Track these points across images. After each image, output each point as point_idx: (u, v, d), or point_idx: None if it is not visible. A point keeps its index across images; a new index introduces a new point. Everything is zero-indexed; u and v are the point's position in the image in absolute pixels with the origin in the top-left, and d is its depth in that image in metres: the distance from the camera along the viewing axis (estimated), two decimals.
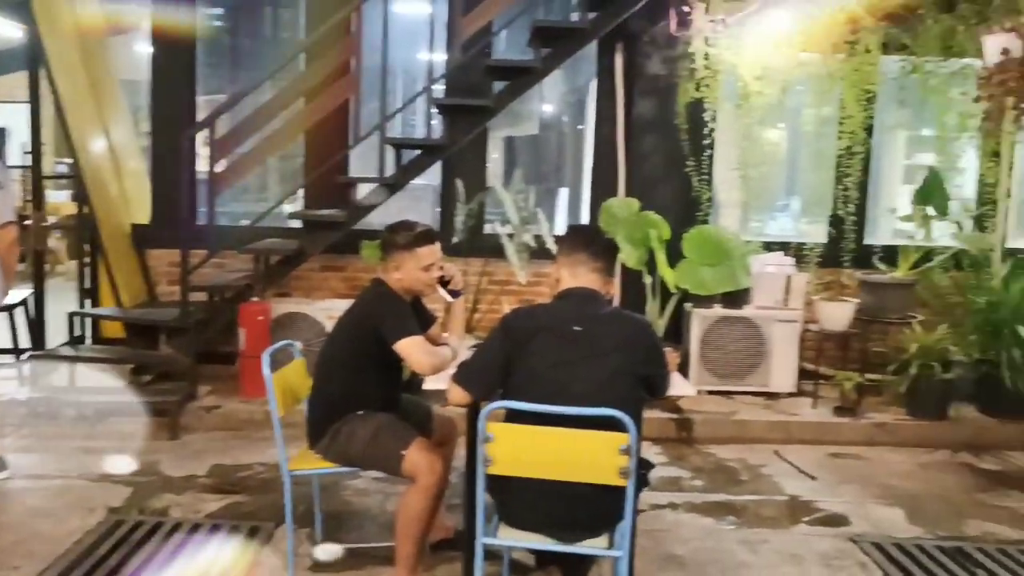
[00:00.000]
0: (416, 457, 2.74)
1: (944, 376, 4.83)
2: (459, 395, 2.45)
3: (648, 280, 5.32)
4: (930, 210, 5.24)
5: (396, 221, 3.06)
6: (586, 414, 2.12)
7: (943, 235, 5.45)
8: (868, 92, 5.53)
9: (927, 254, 5.38)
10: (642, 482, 2.44)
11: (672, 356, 2.61)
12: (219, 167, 4.96)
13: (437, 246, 3.00)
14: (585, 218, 6.23)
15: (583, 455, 2.14)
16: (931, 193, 5.22)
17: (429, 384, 2.84)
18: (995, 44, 4.94)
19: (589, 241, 2.57)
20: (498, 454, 2.17)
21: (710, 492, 3.99)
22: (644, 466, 2.46)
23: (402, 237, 2.95)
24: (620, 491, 2.16)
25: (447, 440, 3.20)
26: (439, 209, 6.07)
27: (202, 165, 5.28)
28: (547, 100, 7.61)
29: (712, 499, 3.90)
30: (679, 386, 2.73)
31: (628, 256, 5.31)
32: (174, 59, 5.75)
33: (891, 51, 5.57)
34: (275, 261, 5.30)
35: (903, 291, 5.20)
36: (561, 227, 6.90)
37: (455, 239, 5.40)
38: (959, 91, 5.51)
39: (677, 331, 5.56)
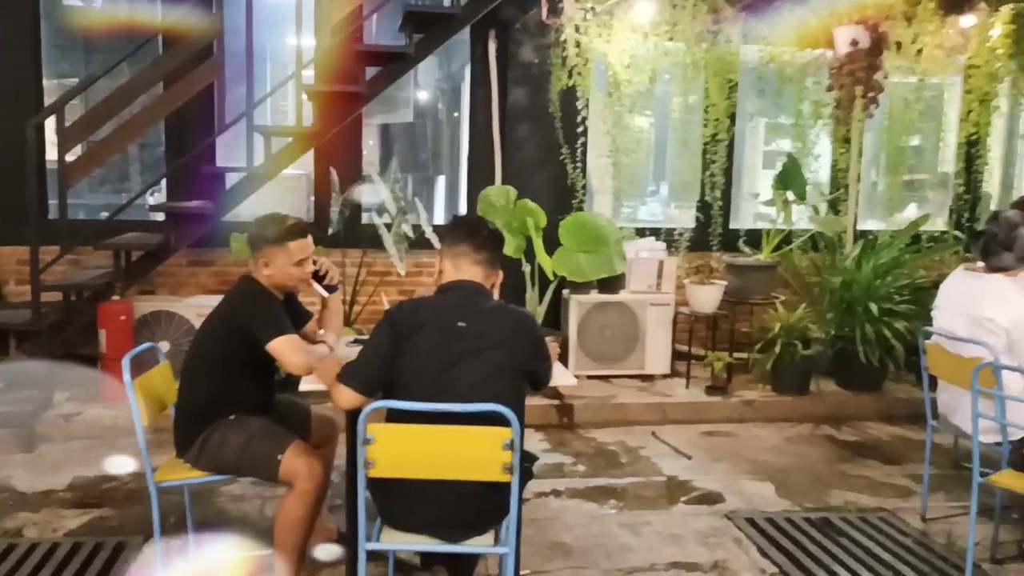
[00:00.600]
0: (293, 462, 2.64)
1: (805, 353, 5.11)
2: (347, 397, 2.34)
3: (527, 268, 5.35)
4: (789, 195, 5.50)
5: (264, 214, 2.92)
6: (469, 411, 2.08)
7: (801, 218, 5.75)
8: (730, 81, 5.76)
9: (787, 237, 5.66)
10: (527, 475, 2.44)
11: (554, 347, 2.60)
12: (70, 156, 4.61)
13: (309, 239, 2.88)
14: (463, 207, 6.19)
15: (467, 453, 2.11)
16: (789, 178, 5.49)
17: (306, 385, 2.73)
18: (845, 36, 5.25)
19: (471, 232, 2.51)
20: (379, 456, 2.11)
21: (592, 477, 4.06)
22: (528, 459, 2.46)
23: (271, 231, 2.82)
24: (505, 487, 2.14)
25: (327, 441, 3.10)
26: (313, 199, 5.88)
27: (52, 154, 4.89)
28: (423, 87, 7.51)
29: (594, 484, 3.97)
30: (561, 376, 2.75)
31: (506, 244, 5.30)
32: (15, 39, 5.29)
33: (751, 41, 5.81)
34: (137, 257, 5.00)
35: (766, 273, 5.46)
36: (440, 216, 6.85)
37: (331, 230, 5.25)
38: (813, 80, 5.83)
39: (556, 318, 5.63)
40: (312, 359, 2.67)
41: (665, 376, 5.49)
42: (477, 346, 2.28)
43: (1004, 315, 3.12)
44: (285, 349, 2.66)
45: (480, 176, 5.83)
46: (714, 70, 5.71)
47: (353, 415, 2.33)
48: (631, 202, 6.35)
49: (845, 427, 4.95)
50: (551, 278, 5.33)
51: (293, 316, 2.93)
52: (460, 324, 2.31)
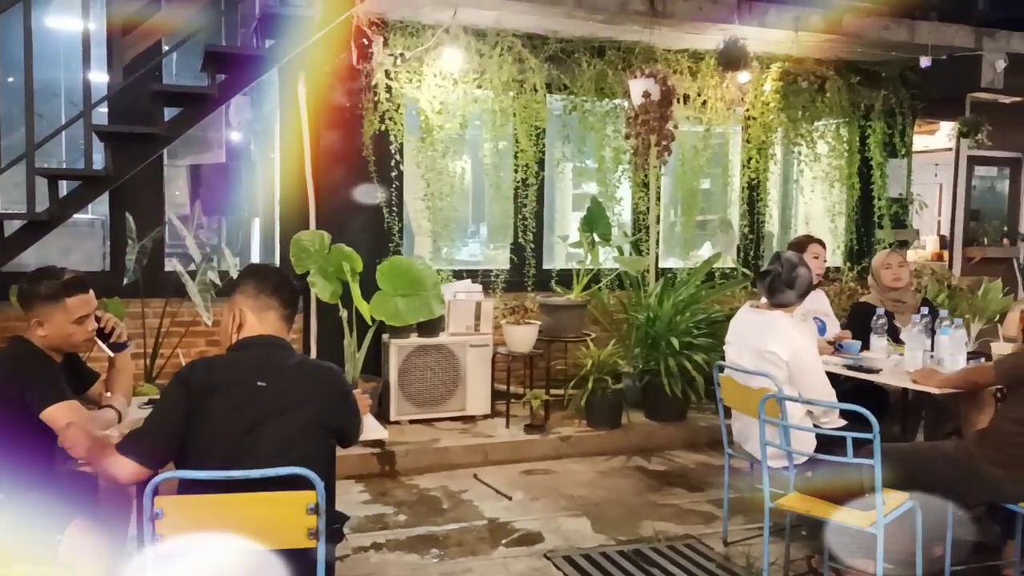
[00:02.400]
0: (75, 543, 2.38)
1: (616, 387, 5.33)
2: (129, 470, 2.13)
3: (344, 314, 5.23)
4: (595, 236, 5.77)
5: (36, 268, 2.66)
6: (267, 475, 1.97)
7: (608, 258, 6.04)
8: (537, 128, 6.00)
9: (596, 276, 5.91)
10: (337, 537, 2.35)
11: (364, 400, 2.54)
12: None
13: (90, 294, 2.65)
14: (278, 251, 5.97)
15: (266, 520, 1.99)
16: (594, 221, 5.76)
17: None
18: (638, 87, 5.61)
19: (280, 285, 2.39)
20: (170, 531, 1.95)
21: (414, 526, 3.99)
22: (338, 520, 2.36)
23: (45, 287, 2.57)
24: (311, 553, 2.05)
25: (122, 511, 2.84)
26: (108, 246, 5.47)
27: None
28: (235, 127, 7.22)
29: (416, 533, 3.90)
30: (372, 430, 2.68)
31: (322, 290, 5.19)
32: None
33: (555, 90, 6.09)
34: None
35: (578, 311, 5.66)
36: (257, 260, 6.57)
37: (127, 279, 4.89)
38: (612, 128, 6.19)
39: (376, 363, 5.54)
40: (95, 426, 2.45)
41: (486, 416, 5.53)
42: (280, 406, 2.17)
43: (784, 349, 3.40)
44: (61, 417, 2.42)
45: (293, 220, 5.66)
46: (522, 117, 5.93)
47: (142, 488, 2.14)
48: (452, 244, 6.42)
49: (655, 457, 5.19)
50: (369, 323, 5.24)
51: (77, 378, 2.68)
52: (260, 384, 2.19)
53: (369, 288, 5.28)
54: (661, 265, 6.52)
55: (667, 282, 5.90)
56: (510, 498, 4.39)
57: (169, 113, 4.79)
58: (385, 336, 5.44)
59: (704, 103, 6.39)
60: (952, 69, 6.77)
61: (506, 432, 5.27)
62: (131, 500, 2.85)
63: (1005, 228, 8.57)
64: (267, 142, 6.62)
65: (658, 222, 6.43)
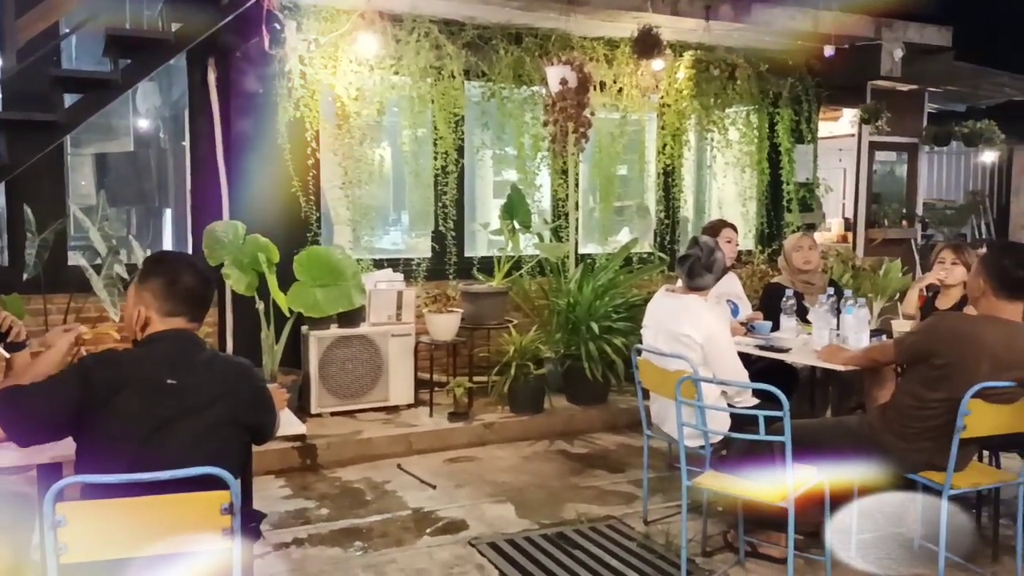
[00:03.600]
0: None
1: (538, 372, 5.38)
2: None
3: (260, 306, 5.11)
4: (516, 223, 5.79)
5: None
6: (179, 476, 1.91)
7: (528, 245, 6.07)
8: (456, 115, 5.96)
9: (517, 263, 5.94)
10: (253, 536, 2.30)
11: (280, 395, 2.49)
12: None
13: None
14: (191, 242, 5.79)
15: (179, 522, 1.94)
16: (515, 208, 5.78)
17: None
18: (555, 75, 5.64)
19: (185, 273, 2.27)
20: (73, 539, 1.87)
21: (337, 519, 3.94)
22: (254, 518, 2.32)
23: None
24: (227, 553, 1.99)
25: (23, 517, 2.71)
26: (5, 240, 5.19)
27: None
28: (143, 114, 6.95)
29: (339, 526, 3.86)
30: (289, 425, 2.63)
31: (237, 282, 5.06)
32: None
33: (473, 77, 6.06)
34: None
35: (499, 298, 5.68)
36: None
37: (27, 275, 4.66)
38: (531, 115, 6.21)
39: (296, 355, 5.44)
40: None
41: (410, 406, 5.50)
42: (190, 404, 2.11)
43: (699, 331, 3.49)
44: None
45: (206, 210, 5.49)
46: (440, 104, 5.89)
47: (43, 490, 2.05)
48: (373, 232, 6.34)
49: (577, 440, 5.26)
50: (287, 315, 5.14)
51: None
52: (170, 381, 2.12)
53: (287, 279, 5.17)
54: (581, 251, 6.60)
55: (586, 268, 5.98)
56: (434, 487, 4.38)
57: (70, 100, 4.58)
58: (304, 328, 5.35)
59: (620, 90, 6.47)
60: (853, 58, 7.05)
61: (430, 421, 5.26)
62: (33, 506, 2.73)
63: (904, 210, 8.98)
64: (177, 130, 6.40)
65: (577, 208, 6.50)
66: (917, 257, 8.72)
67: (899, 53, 6.95)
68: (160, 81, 6.52)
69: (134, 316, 2.26)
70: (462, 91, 5.98)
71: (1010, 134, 9.98)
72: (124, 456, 2.02)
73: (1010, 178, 14.18)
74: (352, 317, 5.38)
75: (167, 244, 6.56)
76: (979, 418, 2.97)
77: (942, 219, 11.46)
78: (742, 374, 3.54)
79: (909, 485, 3.29)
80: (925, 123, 9.00)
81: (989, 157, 12.96)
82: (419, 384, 5.59)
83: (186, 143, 5.72)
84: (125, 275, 4.77)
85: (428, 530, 3.81)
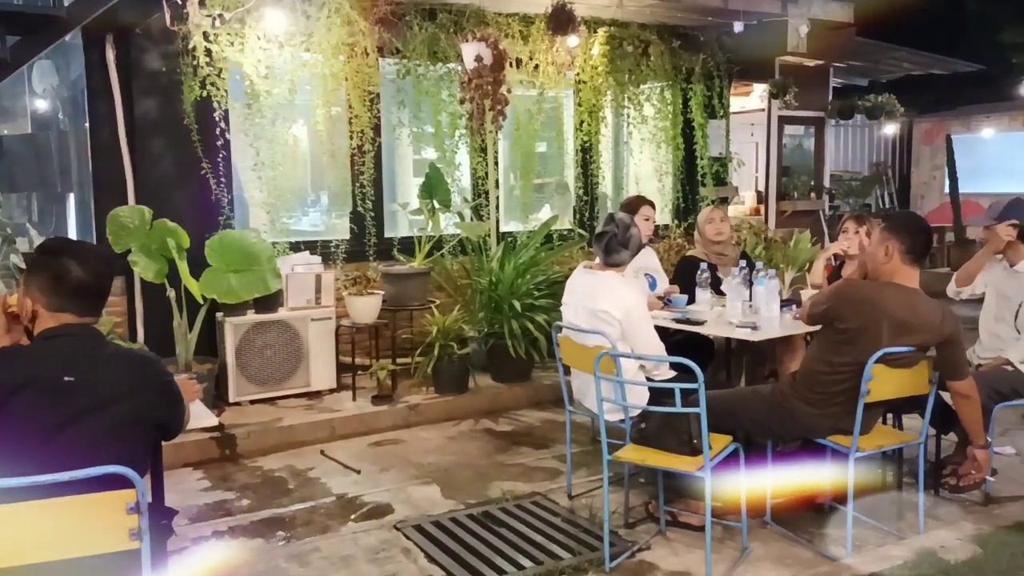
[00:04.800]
0: None
1: (462, 352, 5.36)
2: None
3: (171, 293, 4.94)
4: (435, 203, 5.73)
5: None
6: (79, 477, 1.82)
7: (449, 224, 6.03)
8: (371, 93, 5.84)
9: (438, 243, 5.89)
10: (164, 533, 2.23)
11: (189, 386, 2.40)
12: None
13: None
14: (95, 228, 5.53)
15: (83, 525, 1.86)
16: (434, 187, 5.73)
17: None
18: (471, 51, 5.59)
19: (74, 267, 2.11)
20: None
21: (258, 510, 3.87)
22: (165, 515, 2.25)
23: None
24: (136, 554, 1.93)
25: None
26: None
27: None
28: (41, 94, 6.57)
29: (261, 516, 3.79)
30: (201, 418, 2.55)
31: (145, 269, 4.88)
32: None
33: (387, 54, 5.95)
34: None
35: (421, 279, 5.63)
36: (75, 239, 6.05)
37: None
38: (448, 93, 6.14)
39: (212, 343, 5.29)
40: None
41: (332, 391, 5.42)
42: (92, 402, 2.01)
43: (616, 307, 3.54)
44: None
45: (110, 194, 5.27)
46: (354, 82, 5.76)
47: None
48: (290, 214, 6.19)
49: (502, 418, 5.29)
50: (200, 302, 4.98)
51: None
52: (68, 379, 2.02)
53: (199, 265, 5.01)
54: (502, 229, 6.59)
55: (507, 246, 5.98)
56: (358, 472, 4.34)
57: None
58: (219, 314, 5.20)
59: (536, 67, 6.46)
60: (762, 34, 7.22)
61: (353, 405, 5.20)
62: None
63: (812, 183, 9.29)
64: (77, 111, 6.09)
65: (497, 186, 6.48)
66: (825, 228, 9.04)
67: (804, 29, 7.14)
68: (57, 60, 6.17)
69: (24, 308, 2.13)
70: (376, 68, 5.87)
71: (909, 107, 10.42)
72: (25, 459, 1.92)
73: (910, 149, 14.82)
74: (269, 302, 5.25)
75: (71, 230, 6.26)
76: (881, 382, 3.11)
77: (848, 190, 11.93)
78: (659, 348, 3.61)
79: (819, 449, 3.42)
80: (830, 97, 9.30)
81: (890, 129, 13.53)
82: (341, 368, 5.51)
83: (86, 124, 5.45)
84: (22, 264, 4.55)
85: (353, 516, 3.78)
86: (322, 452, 4.66)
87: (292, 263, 5.45)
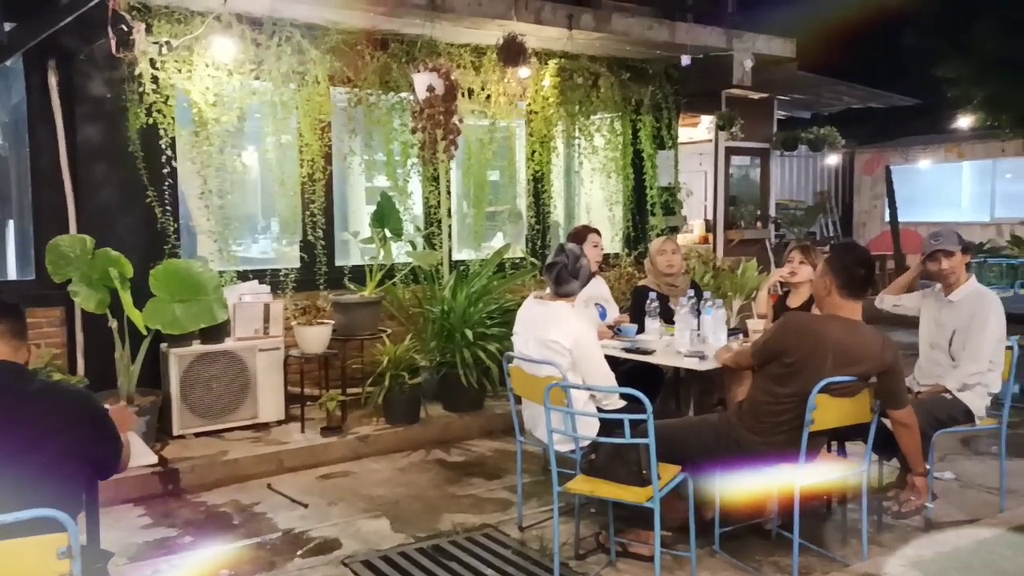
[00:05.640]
0: None
1: (413, 382, 5.32)
2: None
3: (114, 324, 4.82)
4: (387, 231, 5.71)
5: None
6: (6, 522, 1.74)
7: (400, 253, 6.00)
8: (322, 121, 5.83)
9: (390, 271, 5.86)
10: None
11: (125, 415, 2.32)
12: None
13: None
14: (34, 258, 5.38)
15: (11, 571, 1.78)
16: (385, 216, 5.70)
17: None
18: (422, 81, 5.60)
19: None
20: None
21: (202, 547, 3.76)
22: (100, 558, 2.17)
23: None
24: None
25: None
26: None
27: None
28: None
29: (204, 554, 3.68)
30: (140, 456, 2.47)
31: (86, 300, 4.76)
32: None
33: (338, 83, 5.94)
34: None
35: (372, 308, 5.58)
36: (12, 270, 5.86)
37: None
38: (400, 122, 6.15)
39: (155, 375, 5.16)
40: None
41: (280, 422, 5.33)
42: (20, 442, 1.94)
43: (567, 337, 3.55)
44: None
45: (51, 223, 5.14)
46: (305, 110, 5.74)
47: None
48: (239, 242, 6.10)
49: (454, 448, 5.25)
50: (144, 333, 4.86)
51: None
52: None
53: (143, 295, 4.90)
54: (455, 257, 6.59)
55: (460, 274, 5.97)
56: (306, 505, 4.26)
57: None
58: (163, 346, 5.08)
59: (488, 97, 6.51)
60: (708, 67, 7.40)
61: (301, 437, 5.11)
62: None
63: (758, 212, 9.49)
64: (19, 136, 5.95)
65: (450, 215, 6.49)
66: (771, 256, 9.23)
67: (749, 63, 7.34)
68: None
69: None
70: (327, 97, 5.85)
71: (850, 138, 10.74)
72: None
73: (852, 179, 15.29)
74: (216, 332, 5.16)
75: (10, 259, 6.07)
76: (825, 412, 3.17)
77: (793, 219, 12.21)
78: (610, 378, 3.63)
79: (766, 478, 3.46)
80: (775, 129, 9.55)
81: (833, 160, 13.94)
82: (290, 399, 5.42)
83: (28, 151, 5.32)
84: None
85: (299, 552, 3.70)
86: (269, 486, 4.57)
87: (240, 292, 5.37)
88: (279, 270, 5.92)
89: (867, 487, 3.41)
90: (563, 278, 3.66)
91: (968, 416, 3.93)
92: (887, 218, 12.61)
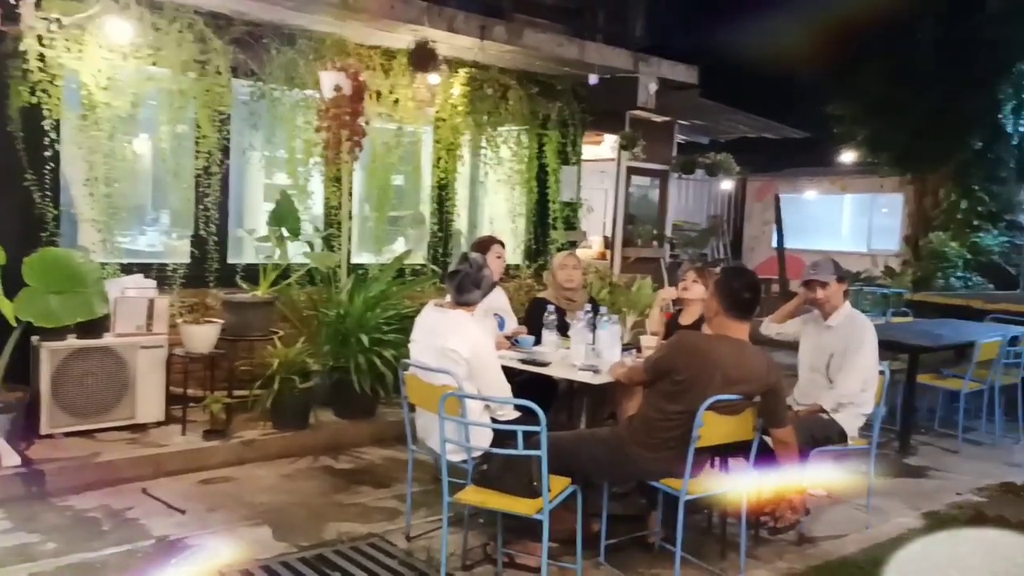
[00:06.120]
0: None
1: (304, 386, 5.17)
2: None
3: None
4: (284, 231, 5.56)
5: None
6: None
7: (297, 254, 5.85)
8: (221, 113, 5.64)
9: (285, 272, 5.70)
10: None
11: None
12: None
13: None
14: None
15: None
16: (284, 215, 5.55)
17: None
18: (329, 80, 5.51)
19: None
20: None
21: (66, 554, 3.53)
22: None
23: None
24: None
25: None
26: None
27: None
28: None
29: (68, 562, 3.46)
30: (2, 456, 2.31)
31: None
32: None
33: (241, 75, 5.76)
34: None
35: (265, 309, 5.42)
36: None
37: None
38: (304, 119, 6.02)
39: (24, 370, 4.84)
40: None
41: (160, 424, 5.08)
42: None
43: (465, 346, 3.54)
44: None
45: None
46: (203, 101, 5.54)
47: None
48: (125, 233, 5.80)
49: (343, 456, 5.14)
50: (14, 324, 4.55)
51: None
52: None
53: (16, 284, 4.59)
54: (354, 261, 6.48)
55: (358, 278, 5.87)
56: (183, 512, 4.07)
57: None
58: (35, 339, 4.77)
59: (396, 101, 6.46)
60: (614, 88, 7.58)
61: (182, 440, 4.90)
62: None
63: (655, 231, 9.78)
64: None
65: (350, 217, 6.38)
66: (665, 275, 9.51)
67: (653, 87, 7.56)
68: None
69: None
70: (228, 89, 5.67)
71: (744, 166, 11.21)
72: None
73: (744, 205, 15.96)
74: (94, 327, 4.88)
75: None
76: (711, 428, 3.27)
77: (687, 240, 12.64)
78: (505, 388, 3.64)
79: (653, 491, 3.54)
80: (675, 152, 9.87)
81: (727, 185, 14.53)
82: (172, 400, 5.17)
83: None
84: None
85: (174, 560, 3.53)
86: (144, 490, 4.35)
87: (123, 286, 5.11)
88: (167, 265, 5.67)
89: (746, 502, 3.54)
90: (465, 287, 3.65)
91: (842, 436, 4.14)
92: (775, 243, 13.22)
